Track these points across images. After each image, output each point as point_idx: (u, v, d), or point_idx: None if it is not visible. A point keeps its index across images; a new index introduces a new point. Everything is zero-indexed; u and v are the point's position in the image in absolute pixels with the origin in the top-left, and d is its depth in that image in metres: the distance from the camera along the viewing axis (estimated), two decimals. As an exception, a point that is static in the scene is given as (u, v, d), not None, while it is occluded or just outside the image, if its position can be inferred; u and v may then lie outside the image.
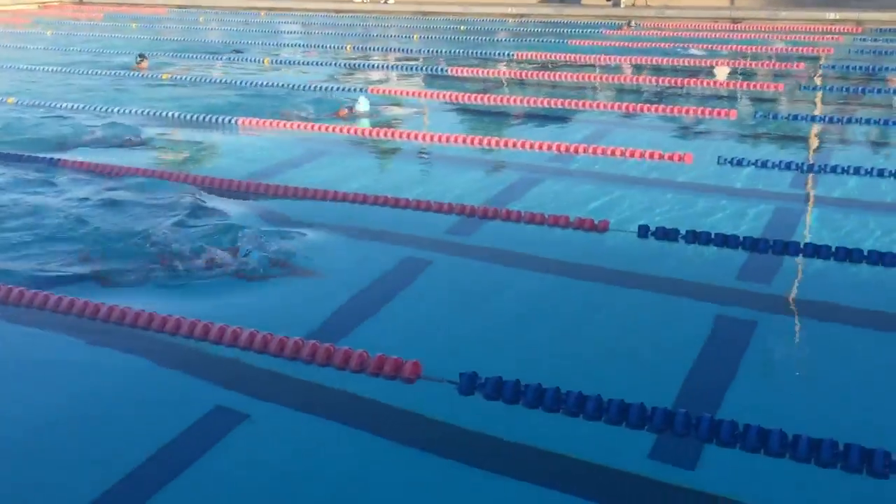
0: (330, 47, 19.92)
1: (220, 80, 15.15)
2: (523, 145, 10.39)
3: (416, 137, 10.87)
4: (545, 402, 4.59)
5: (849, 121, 11.69)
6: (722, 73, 15.27)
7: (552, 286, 6.49)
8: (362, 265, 6.75)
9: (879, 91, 13.75)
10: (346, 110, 12.06)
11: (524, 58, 17.32)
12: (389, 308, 5.96)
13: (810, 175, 9.29)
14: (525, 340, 5.62)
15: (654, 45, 18.62)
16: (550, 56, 17.45)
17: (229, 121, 11.69)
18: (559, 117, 12.33)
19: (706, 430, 4.29)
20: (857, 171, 8.94)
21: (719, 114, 12.00)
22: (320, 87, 13.97)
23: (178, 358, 5.37)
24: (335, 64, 17.05)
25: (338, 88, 13.91)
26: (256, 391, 5.01)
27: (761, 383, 5.11)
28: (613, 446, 4.44)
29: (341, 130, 11.21)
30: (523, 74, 15.60)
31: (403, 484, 4.18)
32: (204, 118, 11.85)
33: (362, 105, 12.01)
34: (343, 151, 10.75)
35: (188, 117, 12.03)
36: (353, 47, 19.79)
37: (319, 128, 11.36)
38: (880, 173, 8.82)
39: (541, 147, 10.31)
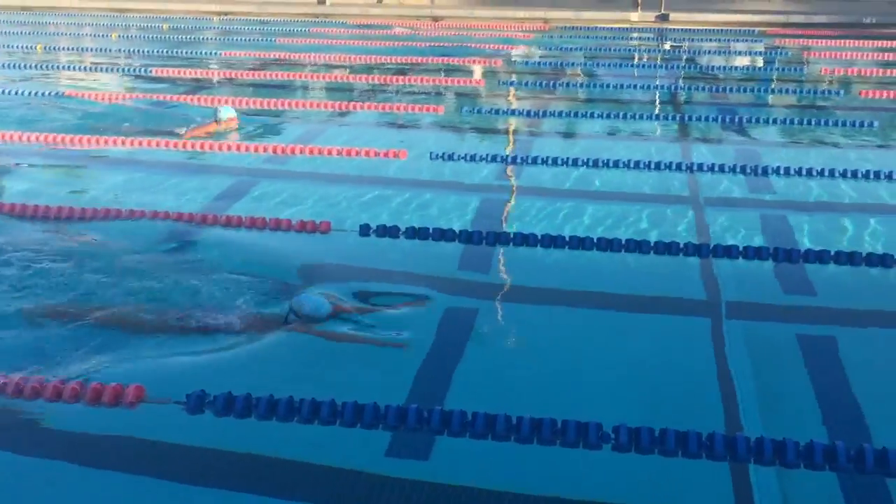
0: (18, 47, 18.28)
1: None
2: (238, 148, 10.18)
3: (120, 143, 10.26)
4: (278, 413, 4.54)
5: (544, 114, 12.60)
6: (477, 71, 15.86)
7: (277, 292, 6.40)
8: (71, 287, 6.27)
9: (567, 85, 14.91)
10: (215, 124, 10.92)
11: (233, 57, 16.93)
12: (103, 333, 5.58)
13: (514, 166, 9.91)
14: (252, 351, 5.51)
15: (360, 42, 18.93)
16: (260, 54, 17.20)
17: None
18: (273, 118, 12.18)
19: (437, 422, 4.45)
20: (554, 161, 9.64)
21: (429, 110, 12.45)
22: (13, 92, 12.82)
23: None
24: (25, 66, 15.71)
25: (31, 94, 12.82)
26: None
27: (486, 369, 5.38)
28: (349, 447, 4.49)
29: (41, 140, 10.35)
30: (233, 74, 15.26)
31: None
32: None
33: (224, 114, 10.99)
34: (33, 161, 9.89)
35: None
36: (45, 47, 18.32)
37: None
38: (574, 163, 9.57)
39: (256, 149, 10.15)
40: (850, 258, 6.78)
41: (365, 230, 7.41)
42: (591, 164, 9.50)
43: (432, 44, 18.55)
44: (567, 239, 7.18)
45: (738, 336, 5.86)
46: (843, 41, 18.59)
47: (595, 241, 7.14)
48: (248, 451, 4.46)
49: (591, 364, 5.42)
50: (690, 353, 5.65)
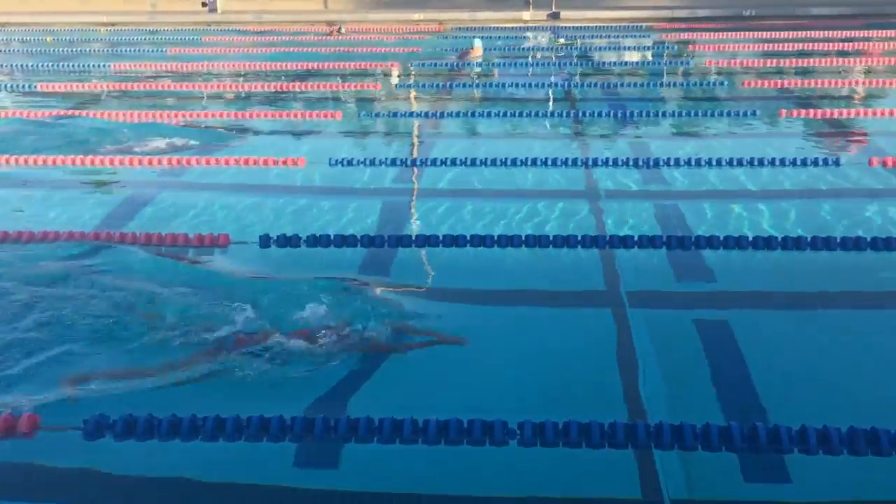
0: None
1: None
2: (130, 161, 9.91)
3: (6, 162, 9.87)
4: (182, 432, 4.45)
5: (442, 115, 12.67)
6: (375, 75, 15.72)
7: (172, 311, 6.24)
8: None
9: (463, 86, 15.01)
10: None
11: (123, 69, 16.47)
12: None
13: (414, 169, 9.93)
14: (152, 371, 5.37)
15: (254, 50, 18.70)
16: (151, 65, 16.79)
17: None
18: (167, 129, 11.89)
19: (344, 429, 4.43)
20: (453, 161, 9.70)
21: (327, 115, 12.38)
22: None
23: None
24: None
25: None
26: None
27: (393, 374, 5.38)
28: (257, 461, 4.44)
29: None
30: (124, 86, 14.84)
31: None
32: None
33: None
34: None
35: None
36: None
37: None
38: (472, 162, 9.64)
39: (150, 162, 9.91)
40: (737, 242, 7.02)
41: (265, 241, 7.31)
42: (489, 162, 9.58)
43: (328, 49, 18.42)
44: (468, 238, 7.23)
45: (638, 324, 6.01)
46: (725, 34, 19.28)
47: (496, 238, 7.21)
48: (152, 474, 4.37)
49: (496, 360, 5.48)
50: (592, 343, 5.77)
